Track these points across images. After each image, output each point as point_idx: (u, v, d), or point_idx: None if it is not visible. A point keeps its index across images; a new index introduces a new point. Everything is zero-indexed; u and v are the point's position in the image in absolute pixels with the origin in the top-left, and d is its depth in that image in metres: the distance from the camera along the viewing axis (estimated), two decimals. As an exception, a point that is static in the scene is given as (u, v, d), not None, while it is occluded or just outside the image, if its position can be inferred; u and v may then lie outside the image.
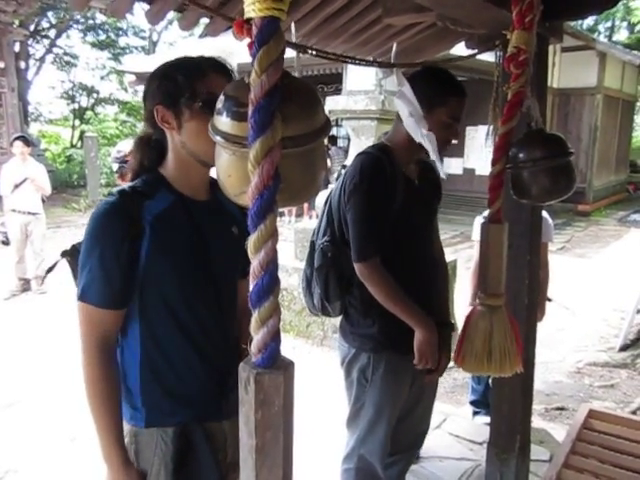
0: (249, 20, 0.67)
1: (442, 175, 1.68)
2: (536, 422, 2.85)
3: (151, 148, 1.25)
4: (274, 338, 0.73)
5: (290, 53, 0.89)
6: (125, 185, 1.23)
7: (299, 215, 9.72)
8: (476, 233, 2.71)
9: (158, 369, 1.23)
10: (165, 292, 1.20)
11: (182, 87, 1.14)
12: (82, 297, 1.16)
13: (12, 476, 2.66)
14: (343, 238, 1.86)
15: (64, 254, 1.36)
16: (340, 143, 12.10)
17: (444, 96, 1.74)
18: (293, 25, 1.56)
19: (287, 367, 0.74)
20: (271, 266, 0.70)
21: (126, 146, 3.17)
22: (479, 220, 1.73)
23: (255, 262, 0.70)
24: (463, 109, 1.79)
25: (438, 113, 1.74)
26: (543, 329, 2.38)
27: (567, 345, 4.50)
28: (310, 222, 6.06)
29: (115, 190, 1.21)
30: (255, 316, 0.72)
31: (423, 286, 1.88)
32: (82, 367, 1.18)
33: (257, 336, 0.73)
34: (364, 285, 1.80)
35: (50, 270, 1.53)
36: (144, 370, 1.23)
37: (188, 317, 1.23)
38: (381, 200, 1.76)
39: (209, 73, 1.16)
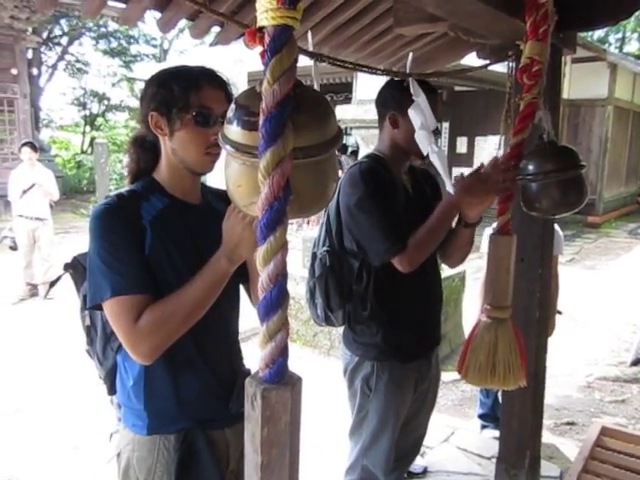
0: (262, 28, 0.66)
1: (450, 189, 1.62)
2: (545, 437, 2.80)
3: (146, 150, 1.28)
4: (282, 353, 0.71)
5: (304, 62, 0.88)
6: (122, 189, 1.25)
7: (307, 222, 9.68)
8: (485, 245, 2.69)
9: (161, 369, 1.22)
10: (165, 291, 1.19)
11: (177, 97, 1.16)
12: (113, 293, 1.12)
13: (15, 483, 2.65)
14: (342, 247, 1.85)
15: (66, 267, 1.36)
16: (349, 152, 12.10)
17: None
18: (310, 33, 1.54)
19: (295, 383, 0.72)
20: (280, 279, 0.69)
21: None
22: (488, 231, 1.70)
23: (264, 275, 0.69)
24: (437, 106, 1.73)
25: None
26: (552, 342, 2.35)
27: (577, 359, 4.44)
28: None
29: (112, 194, 1.23)
30: (263, 330, 0.71)
31: (417, 302, 1.86)
32: (149, 344, 1.12)
33: (265, 350, 0.71)
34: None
35: (54, 284, 1.51)
36: (148, 371, 1.22)
37: None
38: (387, 200, 1.73)
39: (204, 86, 1.18)
